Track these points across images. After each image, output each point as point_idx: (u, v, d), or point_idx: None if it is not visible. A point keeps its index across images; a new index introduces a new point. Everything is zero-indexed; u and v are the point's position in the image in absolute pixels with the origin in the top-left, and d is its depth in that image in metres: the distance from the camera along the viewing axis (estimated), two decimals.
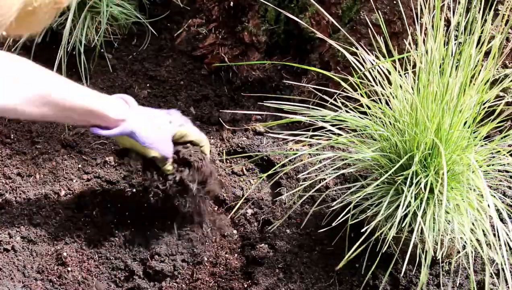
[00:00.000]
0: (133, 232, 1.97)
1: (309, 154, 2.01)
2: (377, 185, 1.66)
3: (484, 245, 1.55)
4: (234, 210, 2.03)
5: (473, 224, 1.62)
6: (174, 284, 1.89)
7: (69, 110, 1.58)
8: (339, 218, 1.72)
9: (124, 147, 1.84)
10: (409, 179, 1.59)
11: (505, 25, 1.71)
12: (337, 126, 1.76)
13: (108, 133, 1.69)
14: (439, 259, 1.76)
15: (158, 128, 1.79)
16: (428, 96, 1.64)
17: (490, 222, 1.60)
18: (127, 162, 1.88)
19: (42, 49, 2.39)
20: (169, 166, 1.83)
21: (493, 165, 1.75)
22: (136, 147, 1.78)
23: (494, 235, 1.50)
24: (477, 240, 1.65)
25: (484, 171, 1.66)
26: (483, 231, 1.59)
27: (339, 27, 1.88)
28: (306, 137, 1.81)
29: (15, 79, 1.42)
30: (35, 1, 0.94)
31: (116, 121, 1.69)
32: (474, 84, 1.66)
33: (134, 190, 2.03)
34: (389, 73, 1.73)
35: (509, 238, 1.55)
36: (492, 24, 1.86)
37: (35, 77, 1.49)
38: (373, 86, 1.75)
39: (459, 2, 1.71)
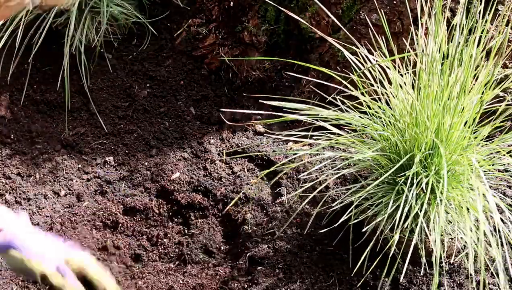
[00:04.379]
0: None
1: (309, 154, 2.01)
2: (378, 185, 1.66)
3: (492, 244, 1.55)
4: (234, 210, 2.03)
5: (474, 224, 1.62)
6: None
7: None
8: (339, 218, 1.72)
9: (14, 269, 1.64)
10: (409, 179, 1.59)
11: (506, 25, 1.71)
12: (337, 126, 1.76)
13: None
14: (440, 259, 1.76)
15: (44, 244, 1.55)
16: (428, 96, 1.64)
17: (490, 222, 1.59)
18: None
19: (42, 49, 2.39)
20: None
21: (493, 165, 1.75)
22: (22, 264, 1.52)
23: (494, 235, 1.50)
24: (478, 239, 1.65)
25: (484, 171, 1.65)
26: (484, 231, 1.58)
27: (341, 26, 1.87)
28: (306, 137, 1.81)
29: None
30: None
31: None
32: (474, 84, 1.66)
33: None
34: (389, 69, 1.73)
35: (510, 237, 1.55)
36: (492, 24, 1.86)
37: None
38: (373, 85, 1.75)
39: (459, 2, 1.71)
